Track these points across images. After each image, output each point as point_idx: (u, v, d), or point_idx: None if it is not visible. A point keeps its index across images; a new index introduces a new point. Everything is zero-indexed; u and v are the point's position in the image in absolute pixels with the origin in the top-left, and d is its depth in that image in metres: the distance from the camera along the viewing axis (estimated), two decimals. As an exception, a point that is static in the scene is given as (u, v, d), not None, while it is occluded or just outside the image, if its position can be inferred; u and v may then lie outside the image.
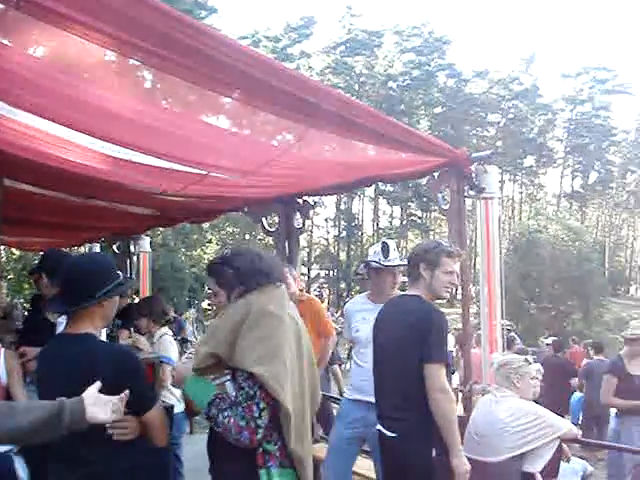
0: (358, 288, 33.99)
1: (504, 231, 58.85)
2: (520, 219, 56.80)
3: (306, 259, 52.27)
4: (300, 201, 5.78)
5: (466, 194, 4.45)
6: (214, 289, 3.01)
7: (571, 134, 63.25)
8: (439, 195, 4.51)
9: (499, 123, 61.59)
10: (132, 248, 8.65)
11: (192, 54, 2.57)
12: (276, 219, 5.99)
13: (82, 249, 10.30)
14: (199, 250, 38.57)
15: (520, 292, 37.82)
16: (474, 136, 58.48)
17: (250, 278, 2.91)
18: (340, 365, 12.05)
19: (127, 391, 2.47)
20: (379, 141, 4.00)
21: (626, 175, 67.15)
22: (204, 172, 4.55)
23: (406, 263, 4.26)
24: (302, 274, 50.48)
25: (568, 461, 5.10)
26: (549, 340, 14.25)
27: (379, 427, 3.93)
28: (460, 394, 5.31)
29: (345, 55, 54.62)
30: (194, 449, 4.11)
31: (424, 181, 4.68)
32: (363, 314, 4.93)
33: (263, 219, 6.03)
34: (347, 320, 5.33)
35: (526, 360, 4.57)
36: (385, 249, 4.87)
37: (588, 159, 63.80)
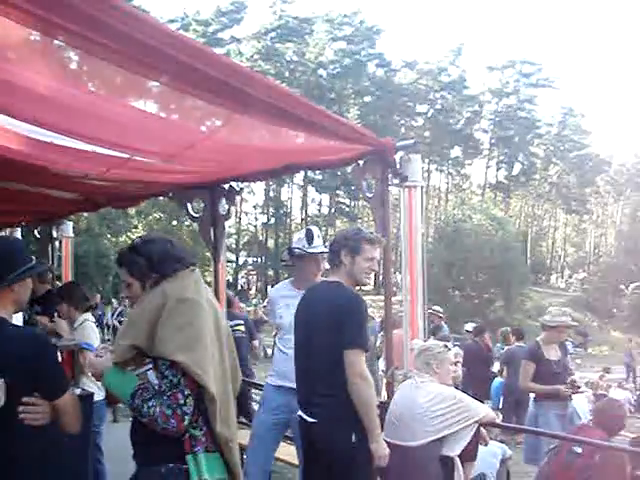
0: (287, 275, 34.07)
1: (430, 220, 59.87)
2: (446, 209, 57.74)
3: (234, 246, 52.06)
4: (226, 187, 5.74)
5: (390, 182, 4.50)
6: (127, 280, 2.96)
7: (496, 126, 64.53)
8: (364, 183, 4.55)
9: (427, 114, 62.36)
10: (54, 233, 8.46)
11: (119, 37, 2.52)
12: (202, 205, 5.94)
13: (1, 233, 10.03)
14: (125, 236, 37.96)
15: (445, 280, 38.61)
16: (402, 126, 59.11)
17: (164, 265, 2.88)
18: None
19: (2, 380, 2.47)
20: (306, 128, 3.99)
21: (549, 167, 69.01)
22: (127, 155, 4.48)
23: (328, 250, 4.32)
24: (230, 261, 50.21)
25: (486, 445, 5.23)
26: (469, 326, 14.59)
27: (300, 413, 3.96)
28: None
29: (276, 41, 54.39)
30: (117, 437, 4.07)
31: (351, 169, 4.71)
32: (287, 300, 4.94)
33: (188, 205, 5.96)
34: (271, 306, 5.36)
35: (445, 346, 4.68)
36: (309, 236, 4.89)
37: (512, 151, 65.32)
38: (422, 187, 4.63)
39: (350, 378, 3.65)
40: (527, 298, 43.84)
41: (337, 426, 3.73)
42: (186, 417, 2.65)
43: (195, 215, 5.97)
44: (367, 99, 57.88)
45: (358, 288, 4.01)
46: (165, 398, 2.64)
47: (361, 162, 4.51)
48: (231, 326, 8.30)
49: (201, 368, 2.65)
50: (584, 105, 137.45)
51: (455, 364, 4.88)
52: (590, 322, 48.71)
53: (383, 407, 4.62)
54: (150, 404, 2.65)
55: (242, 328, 8.27)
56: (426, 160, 61.39)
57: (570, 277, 68.36)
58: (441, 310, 13.98)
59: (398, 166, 4.41)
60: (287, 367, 4.55)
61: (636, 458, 4.64)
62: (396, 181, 4.51)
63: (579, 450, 4.87)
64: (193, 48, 2.85)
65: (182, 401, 2.64)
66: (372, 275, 4.05)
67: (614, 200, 73.86)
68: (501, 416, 11.66)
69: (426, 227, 58.27)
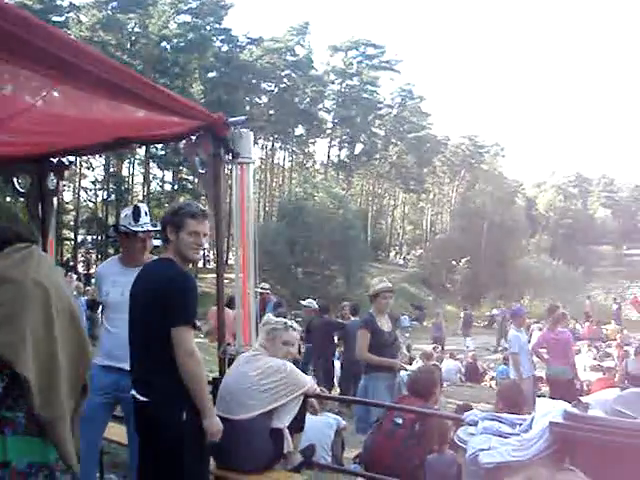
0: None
1: (274, 198, 60.24)
2: (290, 187, 58.26)
3: (72, 224, 50.18)
4: (54, 160, 5.55)
5: (222, 159, 4.54)
6: None
7: (340, 106, 65.53)
8: (196, 159, 4.54)
9: (272, 91, 62.46)
10: None
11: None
12: (29, 180, 5.71)
13: None
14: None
15: (288, 258, 39.10)
16: (248, 103, 58.85)
17: None
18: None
19: None
20: (136, 102, 3.94)
21: (388, 147, 70.97)
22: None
23: (155, 228, 4.34)
24: (67, 239, 48.02)
25: (316, 414, 5.42)
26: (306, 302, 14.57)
27: (133, 392, 3.94)
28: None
29: (117, 11, 52.31)
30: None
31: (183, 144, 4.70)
32: (113, 277, 4.85)
33: (14, 179, 5.72)
34: (98, 283, 5.21)
35: (285, 324, 4.81)
36: (136, 213, 4.81)
37: (354, 131, 66.62)
38: (254, 163, 4.71)
39: (179, 356, 3.66)
40: (367, 274, 45.01)
41: (167, 404, 3.75)
42: None
43: (22, 190, 5.74)
44: (212, 75, 57.07)
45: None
46: None
47: (193, 137, 4.51)
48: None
49: (12, 350, 2.59)
50: (423, 88, 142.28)
51: (296, 343, 5.00)
52: (426, 296, 50.94)
53: (216, 383, 4.71)
54: None
55: None
56: (270, 138, 61.71)
57: (408, 254, 70.86)
58: (268, 287, 14.02)
59: (230, 142, 4.46)
60: (113, 347, 4.50)
61: (459, 424, 4.93)
62: (228, 157, 4.57)
63: (400, 421, 5.14)
64: (23, 20, 2.78)
65: None
66: (200, 251, 4.07)
67: (449, 180, 77.24)
68: (339, 389, 12.07)
69: (270, 205, 58.72)
